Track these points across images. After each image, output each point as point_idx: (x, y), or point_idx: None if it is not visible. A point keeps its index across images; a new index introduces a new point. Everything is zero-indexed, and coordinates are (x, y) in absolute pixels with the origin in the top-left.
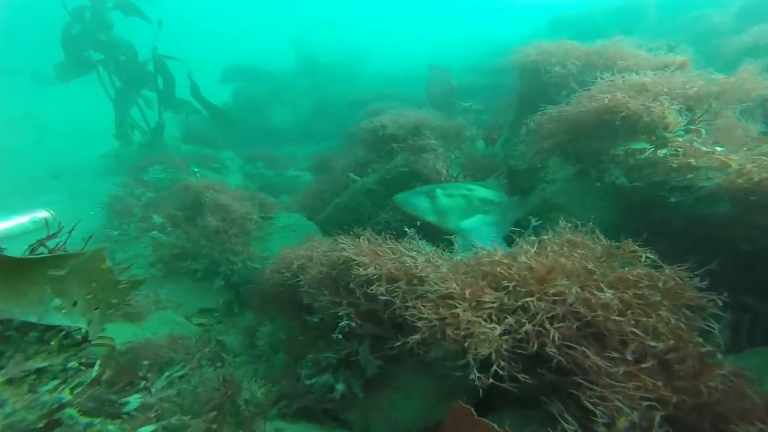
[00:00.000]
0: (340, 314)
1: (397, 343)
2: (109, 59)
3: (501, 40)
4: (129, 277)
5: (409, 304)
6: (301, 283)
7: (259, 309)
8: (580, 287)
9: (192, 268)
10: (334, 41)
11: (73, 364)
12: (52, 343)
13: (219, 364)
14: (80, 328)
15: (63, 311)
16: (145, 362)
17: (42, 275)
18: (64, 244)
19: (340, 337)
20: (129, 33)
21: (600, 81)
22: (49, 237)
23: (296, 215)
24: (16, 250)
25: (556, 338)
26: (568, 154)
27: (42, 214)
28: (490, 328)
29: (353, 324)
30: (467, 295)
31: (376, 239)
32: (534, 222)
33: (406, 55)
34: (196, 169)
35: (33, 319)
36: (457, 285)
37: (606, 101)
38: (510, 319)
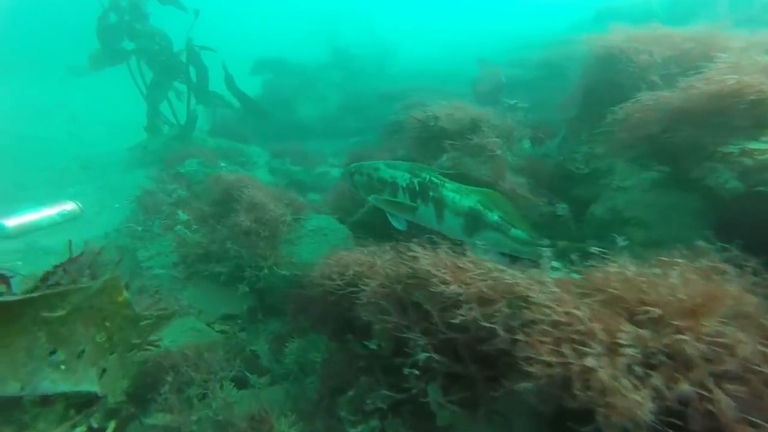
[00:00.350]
0: (410, 342)
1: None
2: (144, 49)
3: (539, 34)
4: (150, 279)
5: (519, 336)
6: (359, 296)
7: (292, 318)
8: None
9: (215, 271)
10: (367, 34)
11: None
12: (55, 407)
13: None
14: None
15: (63, 368)
16: (168, 378)
17: (33, 320)
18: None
19: (415, 372)
20: (162, 23)
21: (712, 65)
22: (71, 260)
23: (327, 217)
24: (44, 243)
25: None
26: (656, 152)
27: (69, 206)
28: (637, 399)
29: (430, 356)
30: (598, 332)
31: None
32: (621, 241)
33: (441, 48)
34: (222, 164)
35: (15, 388)
36: (580, 312)
37: (731, 83)
38: (657, 378)
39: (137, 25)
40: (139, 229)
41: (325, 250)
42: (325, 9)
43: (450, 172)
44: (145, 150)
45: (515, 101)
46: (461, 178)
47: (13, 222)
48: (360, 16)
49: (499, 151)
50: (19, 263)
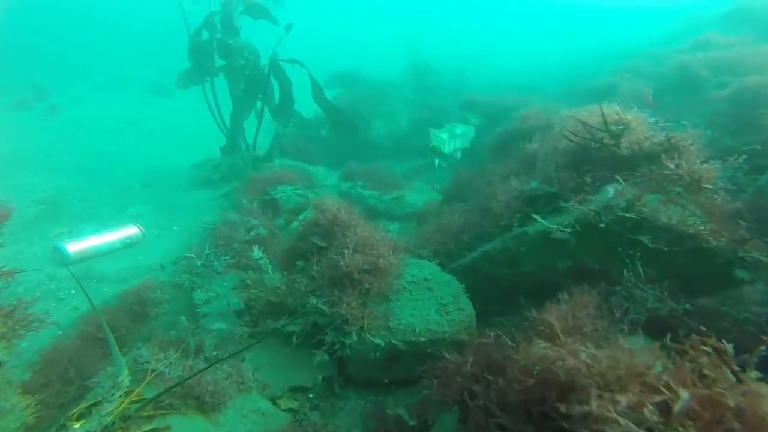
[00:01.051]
0: None
1: None
2: (233, 65)
3: (633, 44)
4: (208, 336)
5: None
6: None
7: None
8: None
9: (288, 329)
10: (451, 45)
11: None
12: None
13: None
14: None
15: None
16: None
17: None
18: None
19: None
20: (251, 37)
21: None
22: None
23: (430, 264)
24: (100, 269)
25: None
26: None
27: (132, 230)
28: None
29: None
30: None
31: None
32: None
33: (525, 61)
34: (310, 194)
35: None
36: None
37: None
38: None
39: (230, 41)
40: (199, 263)
41: (431, 311)
42: (414, 24)
43: (628, 215)
44: (215, 168)
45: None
46: (641, 225)
47: (75, 247)
48: (444, 28)
49: (709, 185)
50: (72, 292)
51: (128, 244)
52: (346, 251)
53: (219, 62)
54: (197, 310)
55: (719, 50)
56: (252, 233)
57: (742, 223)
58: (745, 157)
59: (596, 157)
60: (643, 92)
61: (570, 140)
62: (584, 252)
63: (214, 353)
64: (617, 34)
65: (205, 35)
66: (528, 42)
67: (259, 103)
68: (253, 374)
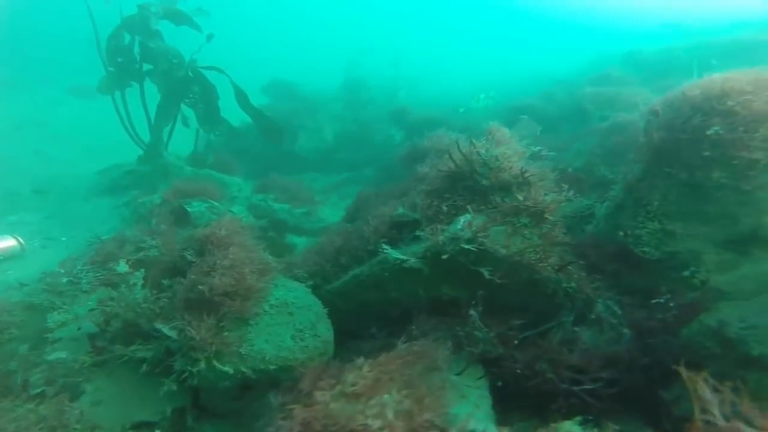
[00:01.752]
0: None
1: None
2: (155, 70)
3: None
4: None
5: None
6: None
7: None
8: None
9: (138, 356)
10: (390, 67)
11: None
12: None
13: None
14: None
15: None
16: None
17: None
18: None
19: None
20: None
21: None
22: None
23: (299, 287)
24: None
25: None
26: None
27: (8, 243)
28: None
29: None
30: None
31: None
32: None
33: (460, 83)
34: (234, 209)
35: None
36: None
37: None
38: None
39: (150, 44)
40: (64, 281)
41: (287, 338)
42: (360, 41)
43: (469, 247)
44: (125, 175)
45: (539, 148)
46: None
47: None
48: (388, 50)
49: (551, 216)
50: None
51: (4, 257)
52: (211, 271)
53: (146, 66)
54: (47, 335)
55: (611, 86)
56: (141, 254)
57: (572, 253)
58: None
59: (460, 187)
60: (535, 129)
61: (446, 164)
62: (438, 282)
63: (41, 390)
64: (559, 56)
65: (126, 38)
66: (475, 62)
67: (185, 110)
68: (81, 414)
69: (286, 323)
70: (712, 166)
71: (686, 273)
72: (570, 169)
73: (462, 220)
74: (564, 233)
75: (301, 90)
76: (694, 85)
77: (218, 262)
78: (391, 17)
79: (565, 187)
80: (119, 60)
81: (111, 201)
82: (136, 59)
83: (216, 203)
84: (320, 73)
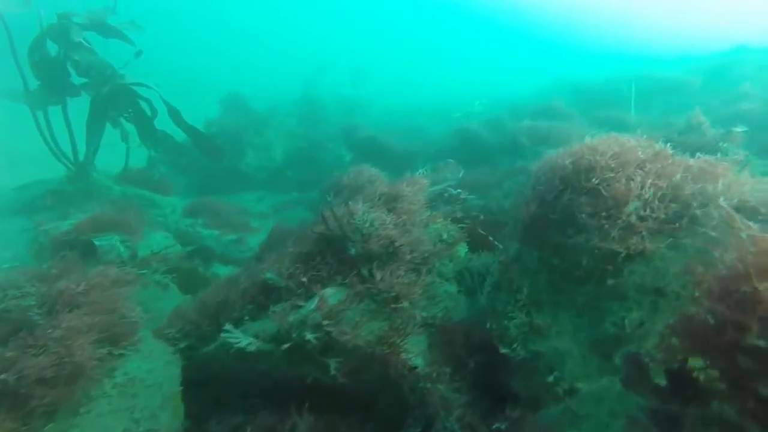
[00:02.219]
0: None
1: None
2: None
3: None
4: None
5: None
6: None
7: None
8: None
9: None
10: (349, 85)
11: None
12: None
13: None
14: None
15: None
16: None
17: None
18: None
19: None
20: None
21: None
22: None
23: (160, 355)
24: None
25: None
26: None
27: None
28: None
29: None
30: None
31: None
32: None
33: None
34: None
35: None
36: None
37: None
38: None
39: (75, 56)
40: None
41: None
42: (318, 55)
43: (313, 339)
44: (47, 194)
45: (459, 191)
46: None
47: None
48: (350, 66)
49: (406, 303)
50: None
51: None
52: (33, 346)
53: (78, 80)
54: None
55: (552, 118)
56: (2, 305)
57: (439, 339)
58: None
59: (330, 252)
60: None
61: (315, 230)
62: (299, 362)
63: None
64: (527, 76)
65: (52, 48)
66: (445, 78)
67: (124, 125)
68: None
69: (125, 409)
70: (580, 253)
71: (550, 378)
72: (482, 217)
73: (316, 299)
74: (426, 317)
75: (255, 105)
76: (568, 153)
77: (48, 332)
78: (355, 33)
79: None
80: (48, 73)
81: (23, 223)
82: (68, 72)
83: (129, 237)
84: (280, 88)
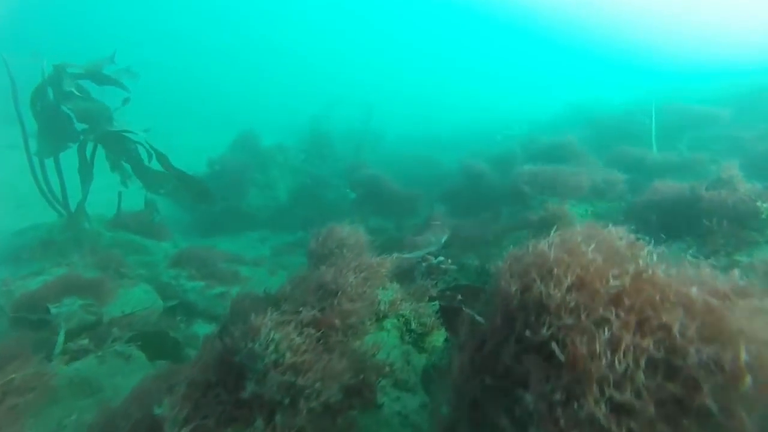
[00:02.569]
0: None
1: None
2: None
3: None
4: None
5: None
6: None
7: None
8: None
9: None
10: (361, 121)
11: None
12: None
13: None
14: None
15: None
16: None
17: None
18: None
19: None
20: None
21: None
22: None
23: None
24: None
25: None
26: None
27: None
28: None
29: None
30: None
31: None
32: None
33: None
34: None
35: None
36: None
37: None
38: None
39: (67, 105)
40: None
41: None
42: (332, 89)
43: None
44: (35, 243)
45: (440, 259)
46: None
47: None
48: (362, 102)
49: None
50: None
51: None
52: None
53: (80, 126)
54: None
55: (560, 158)
56: None
57: None
58: None
59: (231, 382)
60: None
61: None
62: None
63: None
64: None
65: (51, 95)
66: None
67: (125, 167)
68: None
69: None
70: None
71: None
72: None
73: None
74: None
75: (264, 141)
76: (518, 269)
77: None
78: (370, 61)
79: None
80: (48, 122)
81: (10, 273)
82: (68, 120)
83: (94, 301)
84: (289, 123)
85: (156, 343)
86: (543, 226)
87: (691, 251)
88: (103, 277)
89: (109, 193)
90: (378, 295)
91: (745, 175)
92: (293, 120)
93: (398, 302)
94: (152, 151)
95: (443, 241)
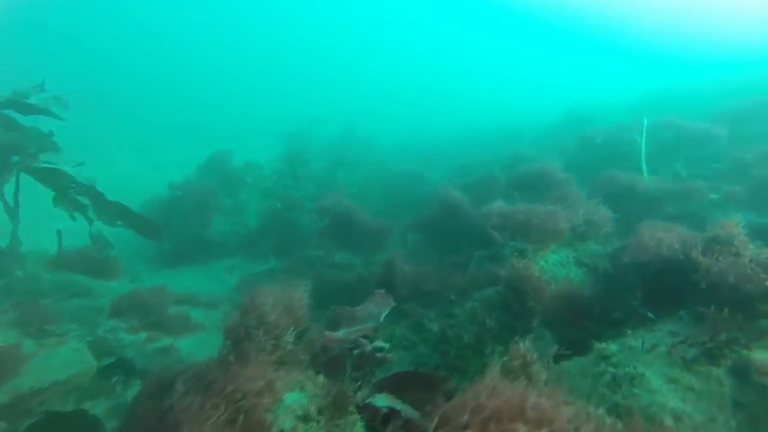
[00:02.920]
0: None
1: None
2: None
3: None
4: None
5: None
6: None
7: None
8: None
9: None
10: (340, 140)
11: None
12: None
13: None
14: None
15: None
16: None
17: None
18: None
19: None
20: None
21: None
22: None
23: None
24: None
25: None
26: None
27: None
28: None
29: None
30: None
31: None
32: None
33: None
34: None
35: None
36: None
37: None
38: None
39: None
40: None
41: None
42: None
43: None
44: None
45: (376, 346)
46: None
47: None
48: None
49: None
50: None
51: None
52: None
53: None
54: None
55: (541, 189)
56: None
57: None
58: None
59: None
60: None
61: None
62: None
63: None
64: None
65: None
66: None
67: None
68: None
69: None
70: None
71: None
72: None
73: None
74: None
75: (236, 160)
76: None
77: None
78: (367, 71)
79: None
80: None
81: None
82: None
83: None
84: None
85: (68, 429)
86: (510, 288)
87: (681, 343)
88: (12, 346)
89: (61, 223)
90: (277, 416)
91: (749, 204)
92: (281, 130)
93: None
94: (81, 187)
95: (383, 316)
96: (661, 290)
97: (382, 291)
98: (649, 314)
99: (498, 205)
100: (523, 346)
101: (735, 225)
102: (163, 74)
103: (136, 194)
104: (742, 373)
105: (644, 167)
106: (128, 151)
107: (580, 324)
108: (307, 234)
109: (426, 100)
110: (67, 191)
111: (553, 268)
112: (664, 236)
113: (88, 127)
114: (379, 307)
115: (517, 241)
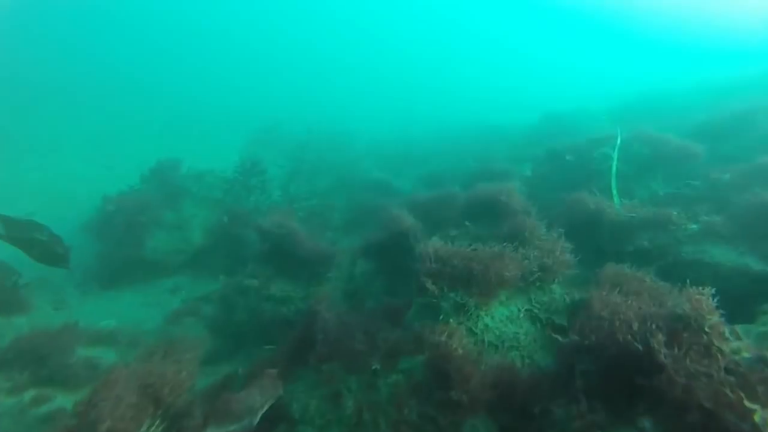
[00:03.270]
0: None
1: None
2: None
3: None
4: None
5: None
6: None
7: None
8: None
9: None
10: (297, 148)
11: None
12: None
13: None
14: None
15: None
16: None
17: None
18: None
19: None
20: None
21: None
22: None
23: None
24: None
25: None
26: None
27: None
28: None
29: None
30: None
31: None
32: None
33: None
34: None
35: None
36: None
37: None
38: None
39: None
40: None
41: None
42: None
43: None
44: None
45: None
46: None
47: None
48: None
49: None
50: None
51: None
52: None
53: None
54: None
55: (495, 218)
56: None
57: None
58: None
59: None
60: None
61: None
62: None
63: None
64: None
65: None
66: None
67: None
68: None
69: None
70: None
71: None
72: None
73: None
74: None
75: (182, 170)
76: None
77: None
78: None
79: None
80: None
81: None
82: None
83: None
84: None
85: None
86: (431, 368)
87: None
88: None
89: None
90: None
91: (729, 233)
92: (250, 129)
93: None
94: None
95: (265, 409)
96: (617, 382)
97: (272, 372)
98: (605, 414)
99: (434, 245)
100: None
101: (705, 299)
102: (139, 69)
103: (84, 201)
104: None
105: (615, 191)
106: (88, 149)
107: (516, 426)
108: (253, 254)
109: (409, 97)
110: None
111: (501, 326)
112: (620, 308)
113: (42, 124)
114: (263, 395)
115: (458, 291)
